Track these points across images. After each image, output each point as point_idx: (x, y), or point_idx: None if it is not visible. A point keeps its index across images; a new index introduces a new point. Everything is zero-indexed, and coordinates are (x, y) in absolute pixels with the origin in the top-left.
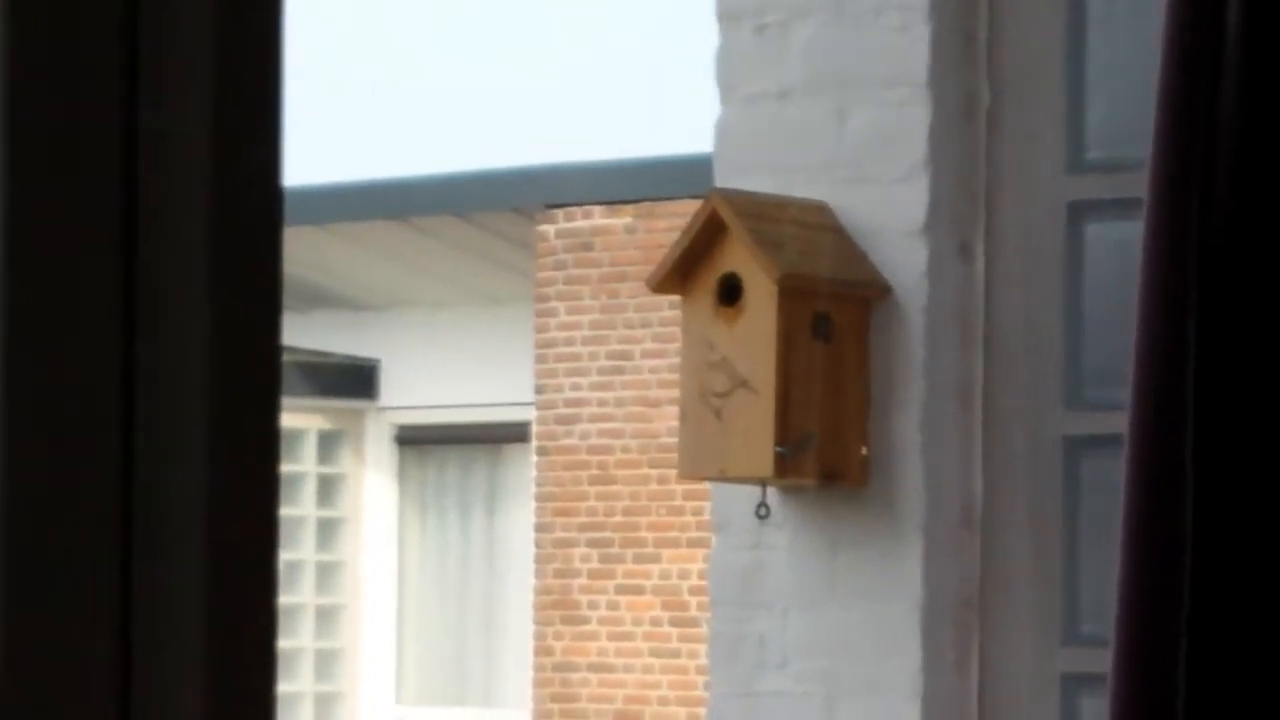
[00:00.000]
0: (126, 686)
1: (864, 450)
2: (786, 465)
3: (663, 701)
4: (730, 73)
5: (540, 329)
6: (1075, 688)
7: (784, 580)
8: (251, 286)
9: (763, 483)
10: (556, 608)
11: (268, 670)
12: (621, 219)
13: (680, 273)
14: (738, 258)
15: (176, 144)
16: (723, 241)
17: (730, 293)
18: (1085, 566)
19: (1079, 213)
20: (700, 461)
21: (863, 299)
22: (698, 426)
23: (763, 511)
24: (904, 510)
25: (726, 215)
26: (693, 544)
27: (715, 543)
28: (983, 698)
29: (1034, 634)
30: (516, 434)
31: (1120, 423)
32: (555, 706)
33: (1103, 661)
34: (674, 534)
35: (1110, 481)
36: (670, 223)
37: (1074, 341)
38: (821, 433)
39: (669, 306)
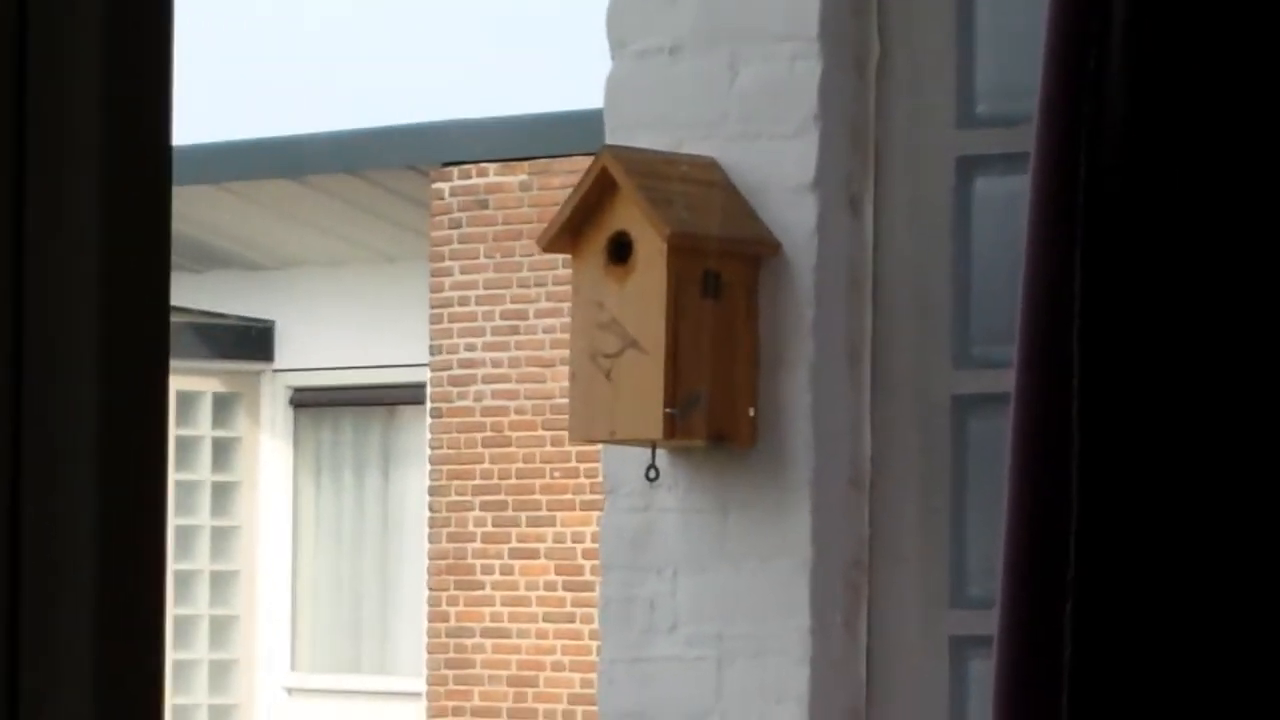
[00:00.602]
0: (14, 651)
1: (752, 411)
2: (676, 426)
3: (557, 667)
4: (621, 27)
5: (435, 288)
6: (963, 650)
7: (674, 543)
8: (141, 246)
9: (652, 444)
10: (450, 572)
11: (157, 643)
12: (517, 176)
13: (570, 231)
14: (628, 216)
15: (66, 103)
16: (613, 199)
17: (620, 251)
18: (973, 527)
19: (968, 168)
20: (591, 424)
21: (752, 256)
22: (588, 388)
23: (652, 474)
24: (793, 471)
25: (617, 173)
26: (587, 506)
27: (606, 505)
28: (871, 660)
29: (922, 596)
30: (411, 396)
31: (1008, 382)
32: (449, 673)
33: (991, 623)
34: (568, 496)
35: (999, 441)
36: (566, 180)
37: (963, 299)
38: (711, 393)
39: (564, 265)
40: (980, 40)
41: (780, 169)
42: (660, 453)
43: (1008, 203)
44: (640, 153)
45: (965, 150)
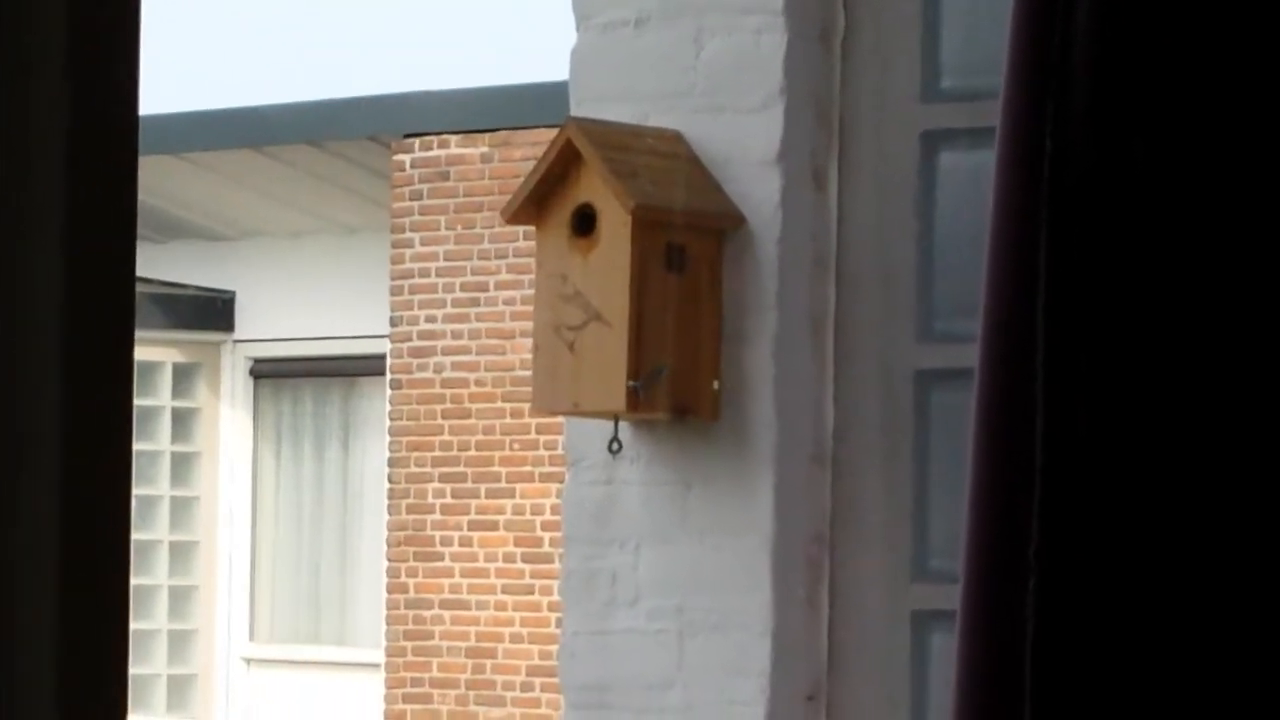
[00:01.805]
0: None
1: (715, 384)
2: (639, 399)
3: (515, 639)
4: (586, 0)
5: (396, 260)
6: (926, 624)
7: (636, 516)
8: (106, 216)
9: (616, 417)
10: (410, 543)
11: (119, 615)
12: (478, 148)
13: (534, 203)
14: (592, 188)
15: (32, 73)
16: (578, 171)
17: (584, 223)
18: (936, 502)
19: (933, 142)
20: (554, 396)
21: (716, 230)
22: (551, 360)
23: (615, 446)
24: (755, 445)
25: (582, 145)
26: (546, 479)
27: (568, 478)
28: (834, 633)
29: (885, 570)
30: (371, 367)
31: (972, 356)
32: (408, 644)
33: (953, 598)
34: (527, 468)
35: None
36: (527, 152)
37: (926, 273)
38: (674, 366)
39: (525, 237)
40: (945, 14)
41: (745, 142)
42: (623, 425)
43: (972, 177)
44: (605, 125)
45: (930, 124)
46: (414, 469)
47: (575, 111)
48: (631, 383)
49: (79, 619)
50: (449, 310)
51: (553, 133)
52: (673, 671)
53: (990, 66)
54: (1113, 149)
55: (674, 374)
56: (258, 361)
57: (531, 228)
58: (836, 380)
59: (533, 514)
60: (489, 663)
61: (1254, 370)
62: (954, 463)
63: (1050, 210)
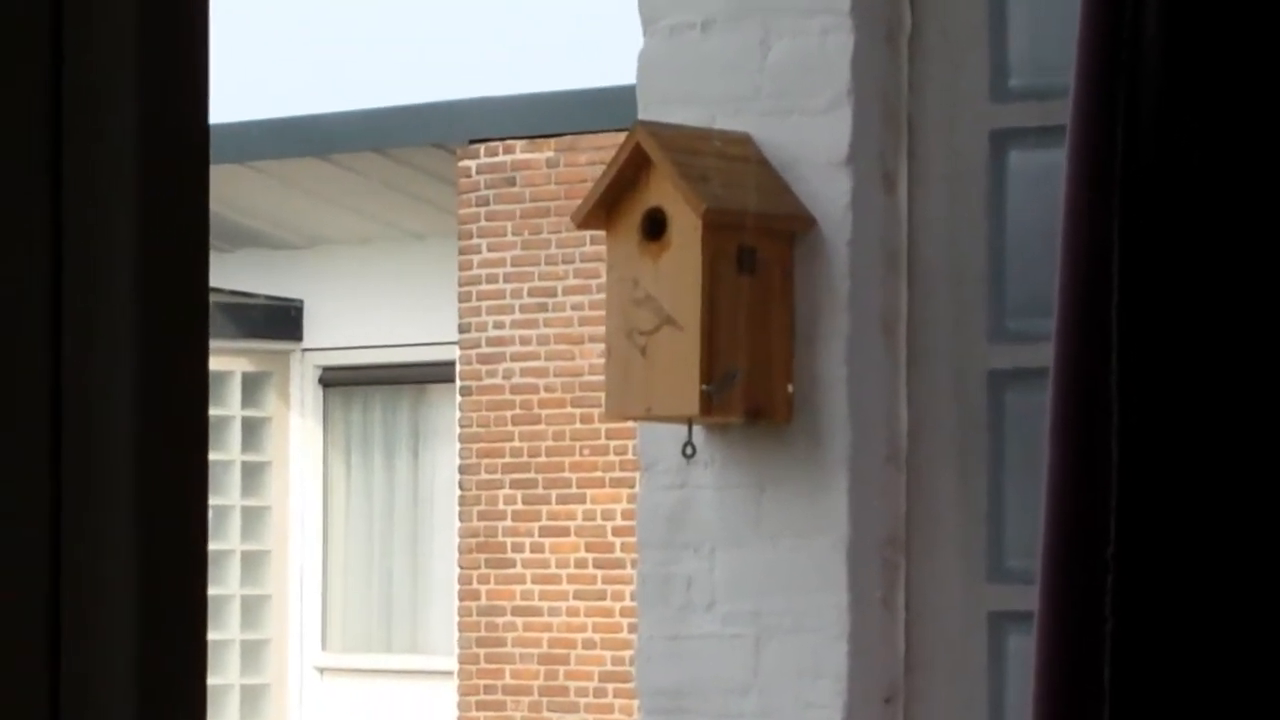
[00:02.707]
0: (56, 636)
1: (789, 387)
2: (712, 403)
3: (588, 644)
4: (652, 3)
5: (463, 266)
6: (1003, 625)
7: (710, 520)
8: (179, 226)
9: (689, 421)
10: (481, 550)
11: (199, 630)
12: (544, 153)
13: (604, 207)
14: (662, 192)
15: (103, 83)
16: (647, 175)
17: (655, 227)
18: (1011, 502)
19: (1002, 141)
20: (626, 401)
21: (787, 232)
22: (624, 365)
23: (689, 450)
24: (829, 447)
25: (651, 149)
26: (616, 484)
27: (641, 483)
28: (910, 635)
29: (961, 571)
30: (441, 374)
31: (1045, 355)
32: (481, 651)
33: (1030, 599)
34: (598, 474)
35: (1036, 415)
36: (592, 156)
37: (998, 273)
38: (747, 369)
39: (591, 241)
40: (1013, 13)
41: (814, 144)
42: (696, 429)
43: (1042, 176)
44: (674, 128)
45: (999, 124)
46: (484, 475)
47: (643, 115)
48: (704, 386)
49: (157, 631)
50: (517, 316)
51: (618, 137)
52: (749, 676)
53: (1059, 65)
54: (1182, 147)
55: (747, 377)
56: (327, 370)
57: (599, 232)
58: (910, 381)
59: (604, 519)
60: (561, 669)
61: None
62: (1029, 463)
63: (1121, 208)
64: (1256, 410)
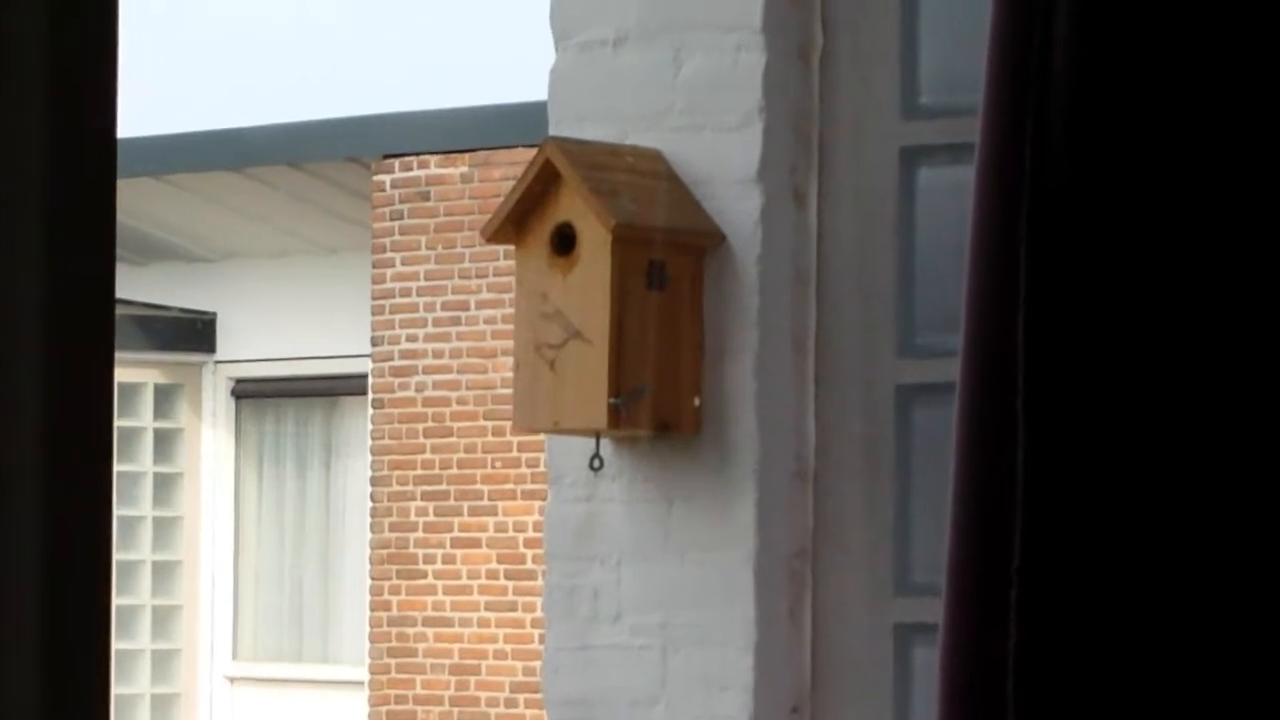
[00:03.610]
0: None
1: (697, 401)
2: (620, 416)
3: (499, 655)
4: (565, 19)
5: (377, 280)
6: (909, 637)
7: (619, 532)
8: (86, 238)
9: (597, 434)
10: (392, 561)
11: (103, 634)
12: (458, 168)
13: (514, 222)
14: (572, 207)
15: (12, 98)
16: (557, 190)
17: (564, 242)
18: (918, 516)
19: (912, 158)
20: (535, 414)
21: (697, 247)
22: (532, 378)
23: (597, 463)
24: (737, 461)
25: (561, 164)
26: (528, 496)
27: (550, 495)
28: (816, 648)
29: (867, 584)
30: (353, 386)
31: (952, 371)
32: (392, 661)
33: (936, 611)
34: (509, 486)
35: (943, 430)
36: (507, 171)
37: (907, 289)
38: (655, 383)
39: (505, 256)
40: (924, 31)
41: (725, 160)
42: (605, 442)
43: (952, 193)
44: (584, 144)
45: (909, 140)
46: (396, 488)
47: (554, 131)
48: (613, 400)
49: (62, 639)
50: (430, 330)
51: (532, 152)
52: (656, 687)
53: (969, 82)
54: (1091, 164)
55: (655, 391)
56: (239, 382)
57: (512, 247)
58: (818, 396)
59: (515, 531)
60: (472, 679)
61: (1234, 383)
62: (936, 477)
63: (1029, 225)
64: (1162, 427)
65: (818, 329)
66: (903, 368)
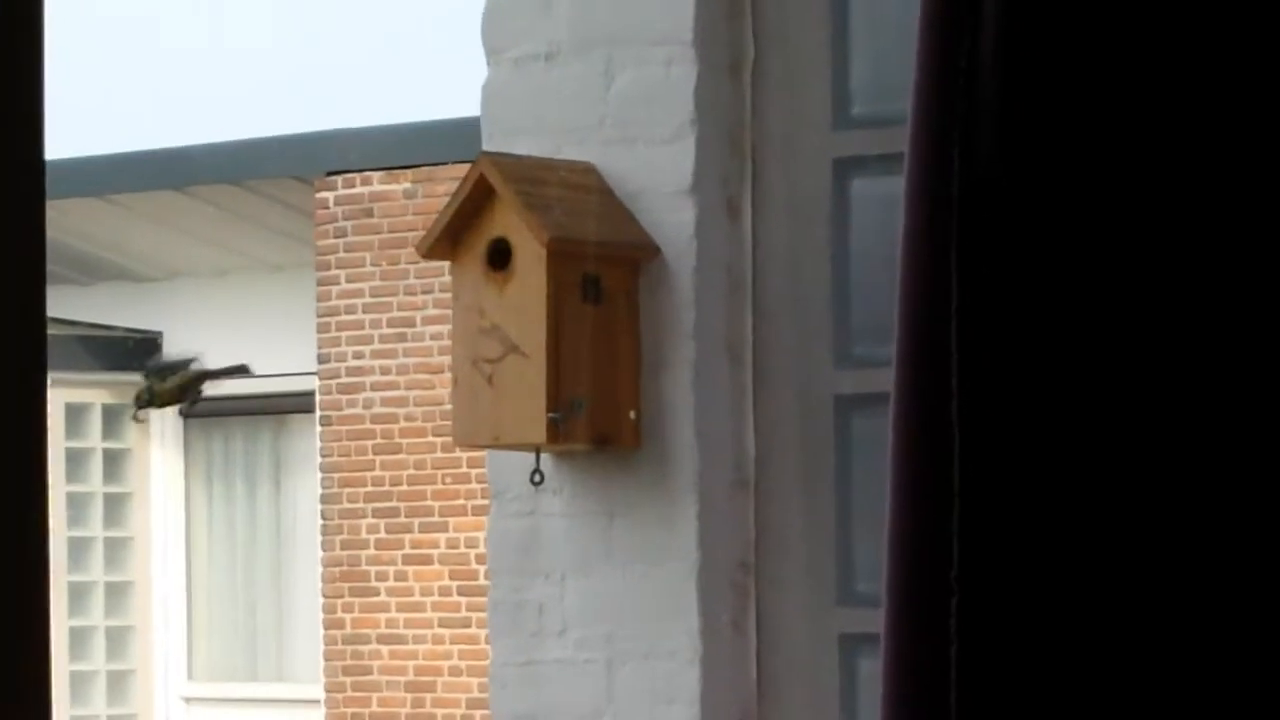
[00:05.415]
0: None
1: (634, 414)
2: (559, 431)
3: (454, 671)
4: (496, 34)
5: (322, 297)
6: (853, 647)
7: (561, 547)
8: (16, 258)
9: (536, 449)
10: (345, 579)
11: (42, 653)
12: (401, 184)
13: (449, 238)
14: (506, 222)
15: None
16: (491, 206)
17: (499, 257)
18: (859, 526)
19: (844, 169)
20: (474, 429)
21: (631, 260)
22: (470, 394)
23: (537, 478)
24: (677, 473)
25: (494, 179)
26: (478, 511)
27: (492, 510)
28: (761, 659)
29: (810, 595)
30: (301, 404)
31: (889, 380)
32: (347, 679)
33: (879, 621)
34: (460, 502)
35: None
36: (450, 187)
37: (842, 298)
38: (593, 397)
39: (450, 272)
40: (854, 42)
41: (658, 173)
42: (545, 457)
43: (885, 203)
44: (518, 159)
45: (841, 151)
46: (346, 505)
47: (488, 146)
48: (551, 414)
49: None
50: (376, 346)
51: (469, 167)
52: (603, 700)
53: (900, 92)
54: (1020, 170)
55: (593, 405)
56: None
57: (450, 262)
58: (756, 407)
59: (467, 547)
60: (428, 696)
61: (1169, 385)
62: (876, 486)
63: (959, 233)
64: (1098, 431)
65: (754, 340)
66: (840, 378)
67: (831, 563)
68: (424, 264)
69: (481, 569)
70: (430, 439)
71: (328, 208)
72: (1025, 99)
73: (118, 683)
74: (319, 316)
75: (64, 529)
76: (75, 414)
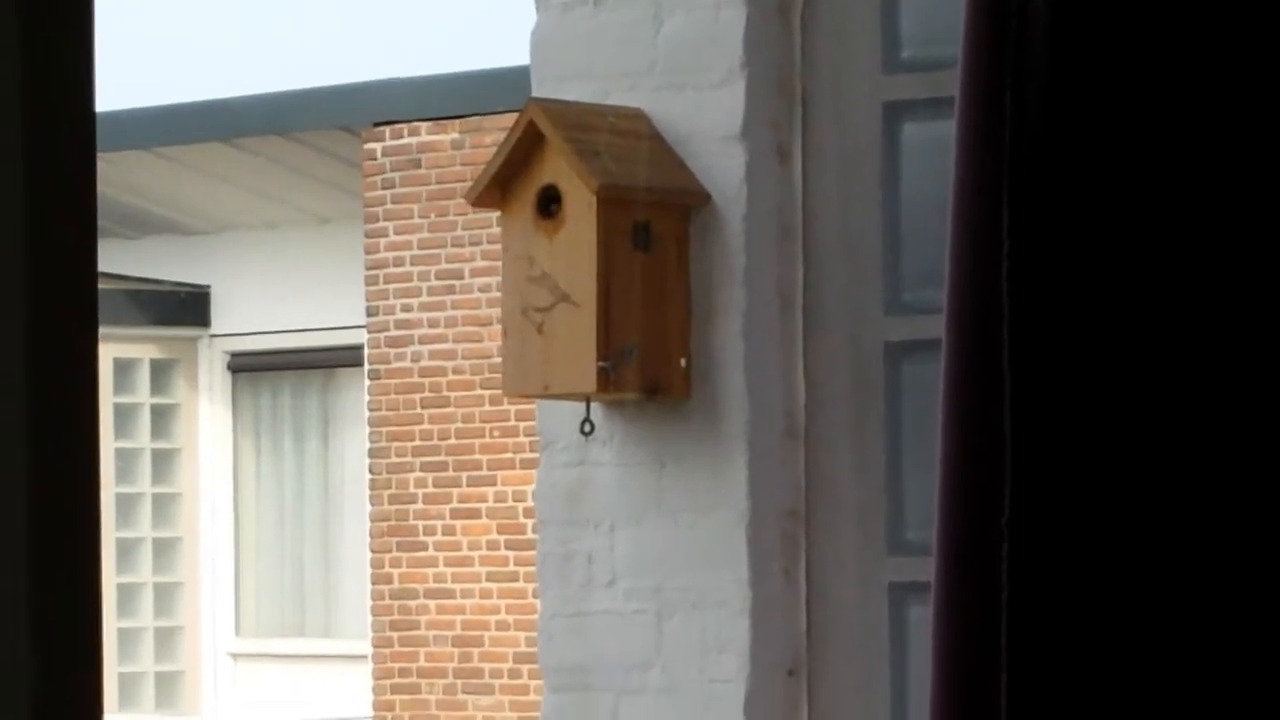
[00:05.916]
0: None
1: (684, 362)
2: (609, 379)
3: (501, 626)
4: None
5: (370, 249)
6: (903, 596)
7: (611, 497)
8: (67, 209)
9: (587, 398)
10: (393, 534)
11: (95, 605)
12: (449, 135)
13: (499, 186)
14: (556, 168)
15: None
16: (541, 152)
17: (549, 204)
18: (909, 474)
19: (895, 113)
20: (524, 379)
21: (682, 207)
22: (521, 343)
23: (587, 428)
24: (728, 422)
25: (544, 126)
26: (526, 465)
27: (541, 461)
28: (811, 608)
29: (860, 543)
30: (349, 358)
31: (940, 327)
32: (395, 635)
33: (929, 569)
34: (508, 455)
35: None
36: (498, 137)
37: (893, 245)
38: (643, 345)
39: (499, 222)
40: None
41: (707, 118)
42: (594, 406)
43: (935, 147)
44: (567, 105)
45: (891, 96)
46: (395, 459)
47: (537, 92)
48: (601, 363)
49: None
50: (425, 299)
51: (519, 114)
52: (652, 651)
53: (950, 36)
54: (1072, 116)
55: (643, 353)
56: (235, 355)
57: (499, 211)
58: (806, 354)
59: (515, 500)
60: (476, 651)
61: (1220, 334)
62: (927, 434)
63: (1010, 179)
64: (1150, 379)
65: (805, 287)
66: (890, 324)
67: (882, 511)
68: (472, 215)
69: (529, 523)
70: (478, 392)
71: (375, 159)
72: (1077, 43)
73: (165, 639)
74: (367, 269)
75: (112, 485)
76: (123, 369)
